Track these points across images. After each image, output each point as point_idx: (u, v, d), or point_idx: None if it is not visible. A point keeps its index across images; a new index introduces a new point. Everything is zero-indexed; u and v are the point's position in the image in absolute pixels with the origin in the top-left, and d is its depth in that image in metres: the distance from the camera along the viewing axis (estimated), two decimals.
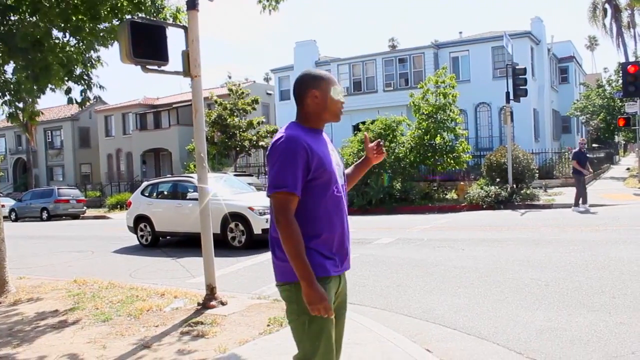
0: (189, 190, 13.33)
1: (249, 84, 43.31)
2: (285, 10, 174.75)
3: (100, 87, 8.02)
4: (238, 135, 30.98)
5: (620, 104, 30.02)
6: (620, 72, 25.35)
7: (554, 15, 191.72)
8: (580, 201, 16.19)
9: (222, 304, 6.57)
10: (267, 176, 2.72)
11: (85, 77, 7.87)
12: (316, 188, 2.69)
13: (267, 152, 2.73)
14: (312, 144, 2.70)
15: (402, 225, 15.08)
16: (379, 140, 3.37)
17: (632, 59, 33.03)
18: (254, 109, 32.42)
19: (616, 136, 42.81)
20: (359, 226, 15.33)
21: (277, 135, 2.70)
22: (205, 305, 6.51)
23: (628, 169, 34.33)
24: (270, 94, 43.94)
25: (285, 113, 37.74)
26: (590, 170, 17.26)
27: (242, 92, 32.13)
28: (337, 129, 34.23)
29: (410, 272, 8.49)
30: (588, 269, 7.91)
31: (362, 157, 3.35)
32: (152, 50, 6.30)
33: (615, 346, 4.86)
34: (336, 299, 2.89)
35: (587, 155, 17.97)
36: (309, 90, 2.84)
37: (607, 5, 37.96)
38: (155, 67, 6.47)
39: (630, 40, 38.28)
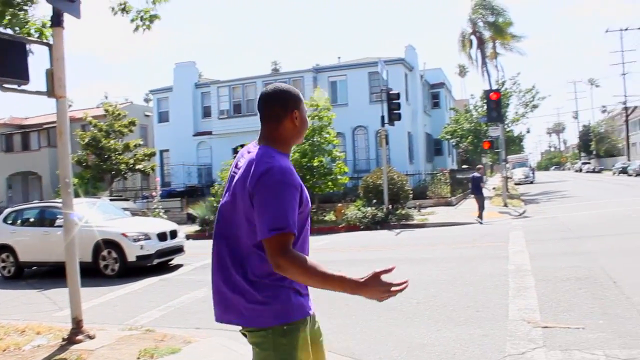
0: (58, 216, 12.60)
1: (126, 105, 41.97)
2: (165, 31, 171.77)
3: None
4: (114, 158, 29.84)
5: (485, 128, 32.04)
6: (485, 99, 27.18)
7: (426, 44, 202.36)
8: (479, 215, 18.50)
9: (90, 337, 6.23)
10: (257, 213, 2.32)
11: None
12: (298, 222, 2.40)
13: (252, 183, 2.34)
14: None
15: None
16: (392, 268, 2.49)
17: (495, 87, 35.47)
18: (131, 131, 31.41)
19: (483, 158, 45.63)
20: None
21: (262, 165, 2.36)
22: (70, 340, 6.13)
23: (494, 188, 36.70)
24: (148, 116, 42.82)
25: (164, 135, 36.93)
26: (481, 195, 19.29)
27: (119, 113, 31.05)
28: (217, 151, 33.98)
29: None
30: (456, 285, 8.32)
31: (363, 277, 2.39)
32: (11, 68, 5.92)
33: (478, 357, 5.15)
34: (312, 334, 2.62)
35: (482, 178, 20.70)
36: (292, 112, 2.54)
37: (472, 37, 40.52)
38: (15, 86, 6.10)
39: (494, 70, 41.14)
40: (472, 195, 20.41)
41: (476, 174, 20.36)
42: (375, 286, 2.35)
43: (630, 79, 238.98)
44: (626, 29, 68.50)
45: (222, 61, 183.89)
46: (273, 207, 2.29)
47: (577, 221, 16.45)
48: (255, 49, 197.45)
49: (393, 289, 2.38)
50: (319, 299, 7.92)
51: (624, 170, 58.14)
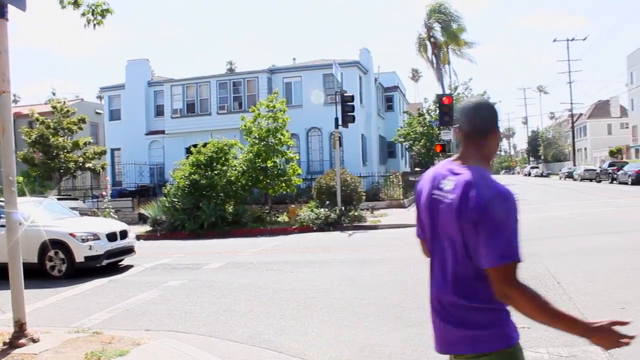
0: (1, 216, 12.21)
1: (76, 102, 41.00)
2: (118, 27, 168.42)
3: None
4: (62, 156, 29.05)
5: (438, 131, 32.49)
6: (438, 103, 27.57)
7: (381, 48, 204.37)
8: None
9: (34, 341, 6.04)
10: (483, 241, 2.19)
11: None
12: None
13: (477, 210, 2.20)
14: None
15: (233, 249, 15.01)
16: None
17: (448, 91, 36.06)
18: (80, 128, 30.63)
19: (436, 161, 46.25)
20: (189, 251, 15.05)
21: (487, 190, 2.22)
22: (12, 344, 5.92)
23: None
24: (100, 113, 41.93)
25: (115, 133, 36.24)
26: None
27: (68, 110, 30.27)
28: (170, 150, 33.56)
29: (238, 296, 8.45)
30: (407, 286, 8.41)
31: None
32: None
33: (428, 357, 5.20)
34: None
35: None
36: (496, 129, 2.42)
37: (427, 42, 41.15)
38: None
39: (447, 75, 41.86)
40: None
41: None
42: (608, 335, 2.23)
43: (576, 87, 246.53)
44: (572, 39, 70.71)
45: (176, 60, 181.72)
46: (503, 235, 2.17)
47: (525, 224, 16.63)
48: (210, 48, 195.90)
49: (622, 340, 2.25)
50: (270, 301, 7.95)
51: (569, 175, 59.91)
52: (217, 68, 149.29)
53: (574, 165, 69.72)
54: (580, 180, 53.08)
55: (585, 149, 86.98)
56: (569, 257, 10.34)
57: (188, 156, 22.02)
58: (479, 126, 2.39)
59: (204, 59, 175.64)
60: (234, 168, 21.35)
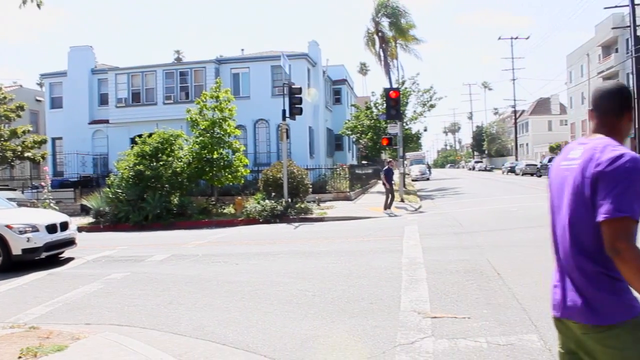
0: None
1: (15, 88, 39.62)
2: (60, 11, 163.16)
3: None
4: None
5: (384, 125, 32.77)
6: (385, 97, 27.82)
7: (329, 41, 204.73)
8: (389, 206, 20.33)
9: None
10: (600, 197, 2.26)
11: None
12: None
13: (599, 168, 2.29)
14: None
15: (178, 241, 14.82)
16: None
17: (395, 85, 36.39)
18: (18, 116, 29.66)
19: (382, 154, 46.70)
20: (132, 243, 14.79)
21: (611, 152, 2.30)
22: None
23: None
24: (40, 101, 40.58)
25: (57, 122, 35.13)
26: (394, 182, 21.68)
27: (5, 97, 29.23)
28: (114, 140, 32.82)
29: (183, 288, 8.36)
30: (351, 278, 8.48)
31: None
32: None
33: (370, 348, 5.27)
34: None
35: (392, 171, 22.37)
36: (631, 110, 2.53)
37: (375, 37, 41.36)
38: None
39: (394, 69, 42.20)
40: (384, 188, 21.62)
41: (386, 167, 22.37)
42: None
43: (519, 84, 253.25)
44: (516, 38, 72.61)
45: (121, 48, 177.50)
46: (620, 191, 2.22)
47: (468, 217, 17.25)
48: (157, 37, 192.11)
49: None
50: (215, 293, 7.89)
51: (512, 170, 61.59)
52: (164, 57, 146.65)
53: (516, 160, 71.64)
54: (522, 174, 54.64)
55: (527, 144, 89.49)
56: (509, 249, 10.63)
57: (133, 146, 21.60)
58: (616, 107, 2.51)
59: (151, 48, 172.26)
60: (179, 159, 21.05)
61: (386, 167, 22.78)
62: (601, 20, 57.77)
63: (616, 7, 38.20)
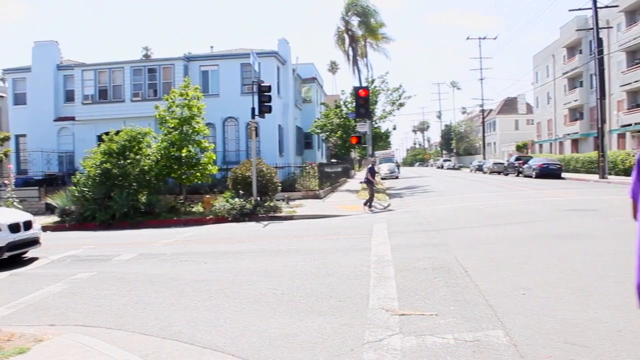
0: None
1: None
2: (24, 4, 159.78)
3: None
4: None
5: (354, 123, 32.88)
6: (354, 95, 27.92)
7: (299, 39, 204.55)
8: (369, 203, 20.79)
9: None
10: None
11: None
12: None
13: None
14: None
15: (145, 240, 14.66)
16: None
17: (364, 84, 36.52)
18: None
19: (352, 152, 46.84)
20: (99, 242, 14.59)
21: None
22: None
23: (361, 182, 37.79)
24: (2, 97, 39.67)
25: (21, 119, 34.42)
26: (377, 180, 22.10)
27: None
28: (80, 138, 32.30)
29: (150, 288, 8.26)
30: (320, 276, 8.49)
31: None
32: None
33: (338, 345, 5.28)
34: None
35: (375, 169, 23.31)
36: None
37: (345, 35, 41.52)
38: None
39: (364, 68, 42.43)
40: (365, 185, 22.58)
41: (370, 165, 23.26)
42: None
43: (487, 84, 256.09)
44: (484, 38, 74.07)
45: (88, 44, 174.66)
46: None
47: (436, 215, 17.40)
48: (125, 33, 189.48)
49: None
50: (183, 292, 7.82)
51: (479, 168, 62.35)
52: (132, 54, 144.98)
53: (484, 158, 72.63)
54: (490, 173, 55.35)
55: (495, 143, 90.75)
56: (476, 246, 10.76)
57: (100, 144, 21.30)
58: None
59: (118, 44, 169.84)
60: (147, 157, 20.83)
61: (370, 165, 23.58)
62: (566, 22, 58.90)
63: (580, 9, 39.03)
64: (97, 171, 19.62)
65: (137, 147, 20.68)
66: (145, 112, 29.38)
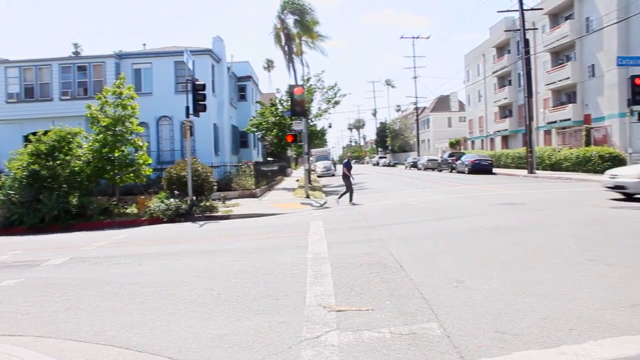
0: None
1: None
2: None
3: None
4: None
5: (289, 122, 32.88)
6: (289, 93, 27.92)
7: (235, 37, 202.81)
8: (350, 197, 21.76)
9: None
10: None
11: None
12: None
13: None
14: None
15: (77, 243, 14.23)
16: None
17: (300, 82, 36.56)
18: None
19: (288, 150, 46.80)
20: (27, 247, 14.10)
21: None
22: None
23: (297, 180, 37.89)
24: None
25: None
26: (353, 176, 23.14)
27: None
28: (4, 138, 30.95)
29: (82, 293, 8.03)
30: (257, 275, 8.47)
31: None
32: None
33: (276, 344, 5.29)
34: None
35: (351, 164, 23.93)
36: None
37: (281, 33, 41.46)
38: None
39: (300, 66, 42.44)
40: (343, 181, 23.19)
41: (346, 160, 24.45)
42: None
43: (421, 82, 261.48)
44: (417, 37, 75.71)
45: (12, 39, 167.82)
46: None
47: (373, 211, 17.65)
48: (53, 28, 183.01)
49: None
50: (117, 296, 7.64)
51: (414, 165, 63.54)
52: (61, 51, 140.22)
53: (419, 155, 74.15)
54: (424, 169, 56.49)
55: (429, 140, 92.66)
56: (411, 241, 10.97)
57: (27, 145, 20.51)
58: None
59: (46, 40, 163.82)
60: (78, 158, 20.22)
61: (345, 160, 24.72)
62: (495, 23, 60.72)
63: (508, 11, 40.37)
64: (24, 173, 18.91)
65: (67, 148, 20.04)
66: (75, 111, 28.52)
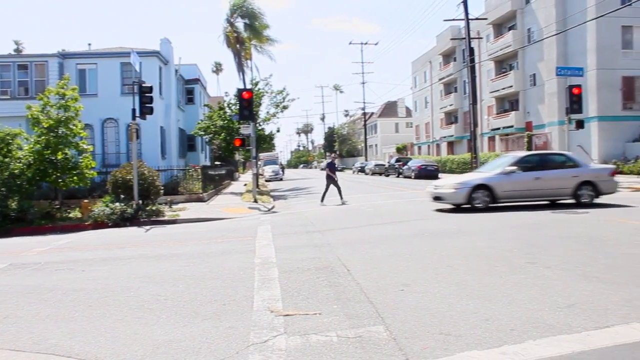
0: None
1: None
2: None
3: None
4: None
5: (238, 125, 32.70)
6: (238, 97, 27.79)
7: (183, 40, 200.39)
8: (340, 197, 22.66)
9: None
10: None
11: None
12: None
13: None
14: None
15: (17, 248, 13.78)
16: None
17: (249, 86, 36.39)
18: None
19: (236, 154, 46.52)
20: None
21: None
22: None
23: (245, 184, 37.71)
24: None
25: None
26: (336, 177, 23.72)
27: None
28: None
29: (22, 300, 7.79)
30: (204, 280, 8.41)
31: None
32: None
33: (224, 349, 5.27)
34: None
35: (335, 165, 24.95)
36: None
37: (231, 37, 41.14)
38: None
39: (249, 70, 42.26)
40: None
41: (329, 161, 25.39)
42: None
43: (369, 87, 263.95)
44: (366, 43, 76.64)
45: None
46: None
47: (320, 216, 17.74)
48: None
49: None
50: (59, 303, 7.47)
51: (362, 169, 64.16)
52: (1, 48, 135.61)
53: (366, 160, 74.84)
54: (372, 174, 57.11)
55: (376, 145, 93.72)
56: (359, 245, 11.08)
57: None
58: None
59: None
60: (18, 160, 19.61)
61: (330, 160, 25.71)
62: (441, 31, 62.01)
63: (454, 20, 41.32)
64: None
65: (6, 150, 19.43)
66: (15, 112, 27.63)
